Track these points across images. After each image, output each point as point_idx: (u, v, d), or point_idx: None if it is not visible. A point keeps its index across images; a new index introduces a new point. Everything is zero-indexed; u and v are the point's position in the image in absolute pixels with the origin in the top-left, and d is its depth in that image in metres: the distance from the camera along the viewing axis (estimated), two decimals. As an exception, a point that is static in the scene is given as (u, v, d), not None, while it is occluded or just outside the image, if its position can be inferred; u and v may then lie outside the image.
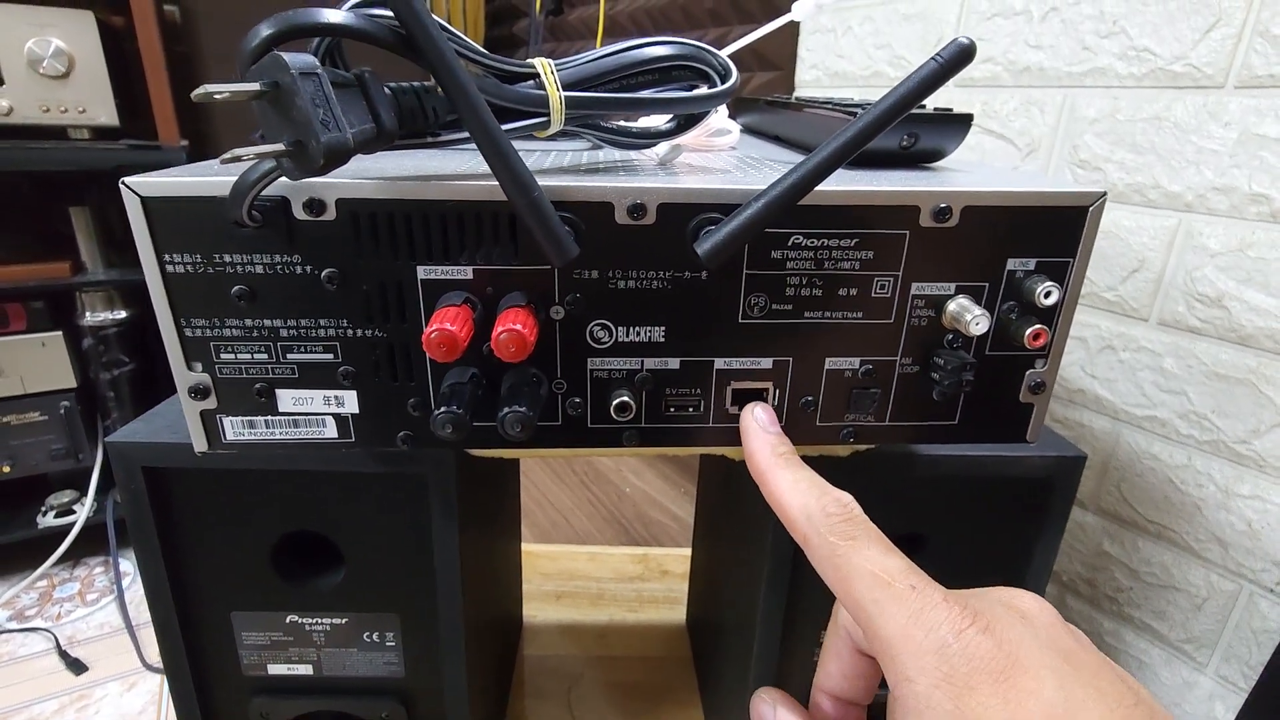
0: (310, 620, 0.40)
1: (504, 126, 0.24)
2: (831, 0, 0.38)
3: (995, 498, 0.39)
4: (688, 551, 0.76)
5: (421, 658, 0.41)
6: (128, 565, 1.13)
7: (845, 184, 0.26)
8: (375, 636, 0.41)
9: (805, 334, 0.28)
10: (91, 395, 1.08)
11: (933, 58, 0.22)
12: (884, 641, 0.17)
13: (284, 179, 0.22)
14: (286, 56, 0.18)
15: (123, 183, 0.23)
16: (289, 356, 0.26)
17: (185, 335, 0.26)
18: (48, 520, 1.08)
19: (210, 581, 0.38)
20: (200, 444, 0.28)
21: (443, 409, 0.25)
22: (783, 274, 0.27)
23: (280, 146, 0.18)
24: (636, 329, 0.28)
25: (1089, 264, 0.28)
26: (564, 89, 0.26)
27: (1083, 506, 0.69)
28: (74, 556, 1.11)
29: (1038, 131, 0.66)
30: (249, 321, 0.26)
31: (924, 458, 0.36)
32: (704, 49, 0.28)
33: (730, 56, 0.30)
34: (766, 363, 0.29)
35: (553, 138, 0.28)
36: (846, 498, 0.21)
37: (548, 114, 0.26)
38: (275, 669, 0.41)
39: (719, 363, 0.29)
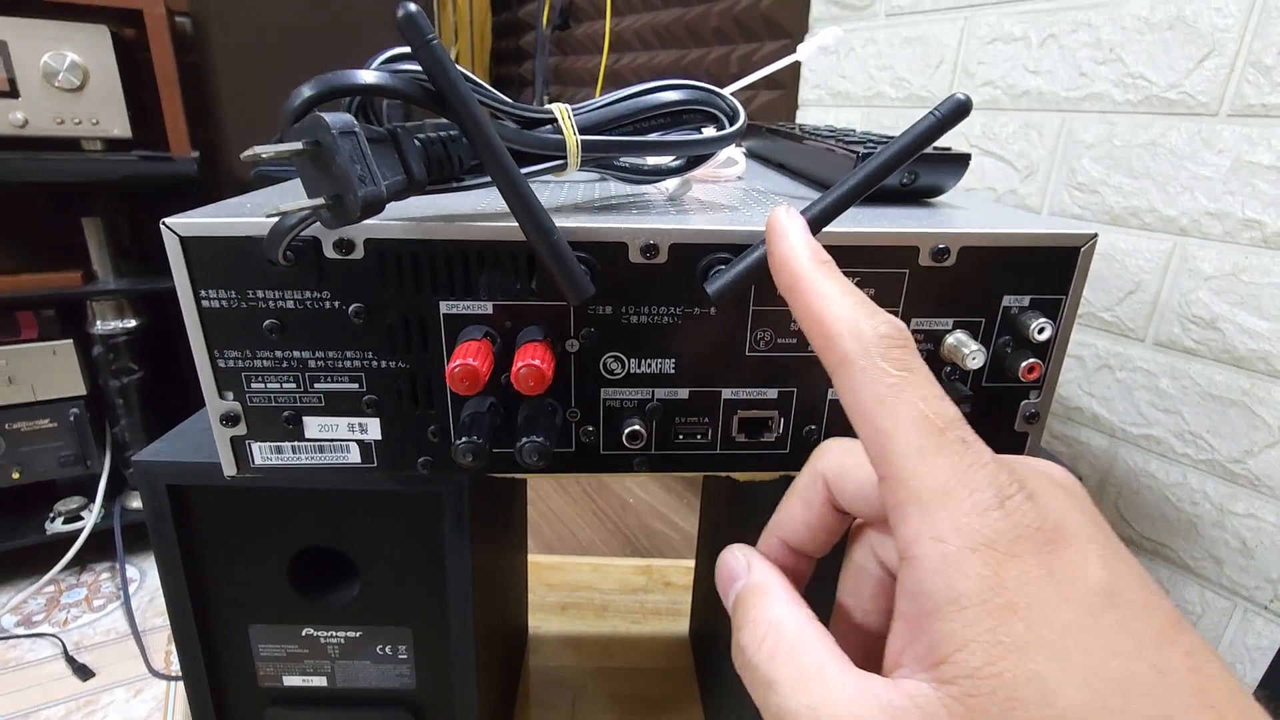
0: (325, 633, 0.41)
1: (524, 170, 0.25)
2: (833, 42, 0.39)
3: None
4: (691, 563, 0.77)
5: (432, 670, 0.42)
6: (134, 571, 1.14)
7: (848, 225, 0.28)
8: (388, 649, 0.42)
9: (808, 366, 0.30)
10: (100, 403, 1.09)
11: (931, 112, 0.23)
12: (915, 494, 0.15)
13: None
14: (327, 117, 0.19)
15: (163, 223, 0.24)
16: (316, 386, 0.28)
17: (218, 366, 0.27)
18: (56, 526, 1.09)
19: (229, 595, 0.39)
20: (230, 468, 0.29)
21: (464, 439, 0.26)
22: (787, 310, 0.28)
23: (321, 200, 0.20)
24: (648, 361, 0.29)
25: (1083, 292, 0.30)
26: (580, 133, 0.27)
27: (1080, 522, 0.70)
28: (81, 562, 1.12)
29: (1036, 154, 0.68)
30: (279, 353, 0.27)
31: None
32: (713, 92, 0.30)
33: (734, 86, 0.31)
34: (772, 393, 0.30)
35: (566, 172, 0.29)
36: (900, 323, 0.18)
37: (565, 157, 0.27)
38: (291, 680, 0.42)
39: (726, 393, 0.30)
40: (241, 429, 0.28)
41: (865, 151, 0.33)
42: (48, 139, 0.97)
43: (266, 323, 0.26)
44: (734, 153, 0.40)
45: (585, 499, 1.25)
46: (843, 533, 0.21)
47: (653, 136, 0.29)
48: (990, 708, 0.13)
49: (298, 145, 0.19)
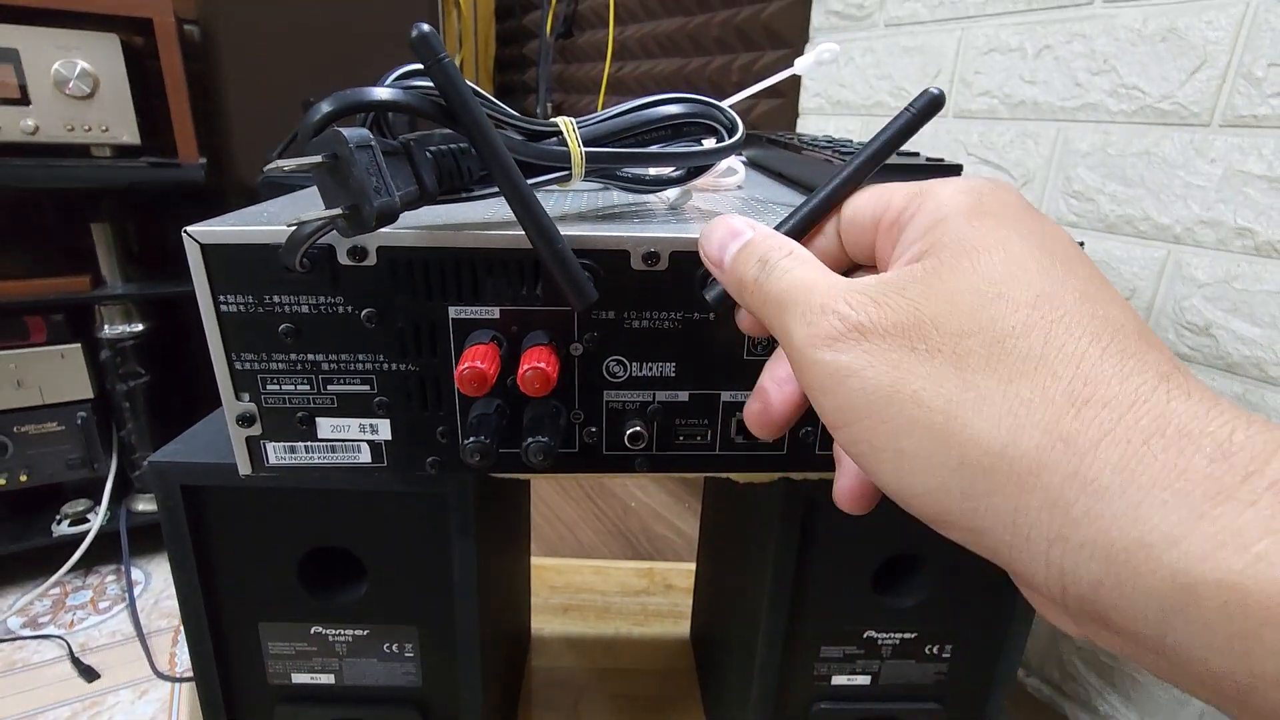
0: (334, 631, 0.42)
1: (530, 181, 0.26)
2: (830, 56, 0.40)
3: (986, 521, 0.41)
4: (692, 566, 0.78)
5: (438, 668, 0.43)
6: (139, 574, 1.15)
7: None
8: (395, 648, 0.42)
9: (806, 370, 0.30)
10: (107, 406, 1.10)
11: (906, 108, 0.24)
12: (925, 187, 0.20)
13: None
14: (345, 131, 0.20)
15: (185, 231, 0.26)
16: (329, 388, 0.29)
17: (235, 368, 0.28)
18: (62, 529, 1.10)
19: (240, 594, 0.40)
20: (245, 467, 0.30)
21: (472, 438, 0.27)
22: (785, 315, 0.29)
23: (338, 211, 0.21)
24: (649, 364, 0.30)
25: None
26: (584, 145, 0.28)
27: (1077, 526, 0.70)
28: (87, 565, 1.13)
29: (1032, 163, 0.69)
30: (294, 356, 0.28)
31: (918, 483, 0.38)
32: (713, 105, 0.31)
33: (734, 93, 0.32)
34: (769, 396, 0.31)
35: (570, 183, 0.30)
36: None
37: (570, 168, 0.28)
38: (299, 678, 0.43)
39: (725, 395, 0.31)
40: (257, 429, 0.29)
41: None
42: (58, 145, 0.98)
43: (282, 327, 0.27)
44: (734, 162, 0.41)
45: (587, 502, 1.26)
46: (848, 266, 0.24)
47: (654, 148, 0.30)
48: (950, 261, 0.18)
49: (317, 158, 0.20)
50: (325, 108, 0.21)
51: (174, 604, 1.08)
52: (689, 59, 1.16)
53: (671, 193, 0.34)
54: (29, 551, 1.08)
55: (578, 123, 0.29)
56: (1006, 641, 0.44)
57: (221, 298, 0.27)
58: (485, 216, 0.29)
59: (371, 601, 0.41)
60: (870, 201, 0.22)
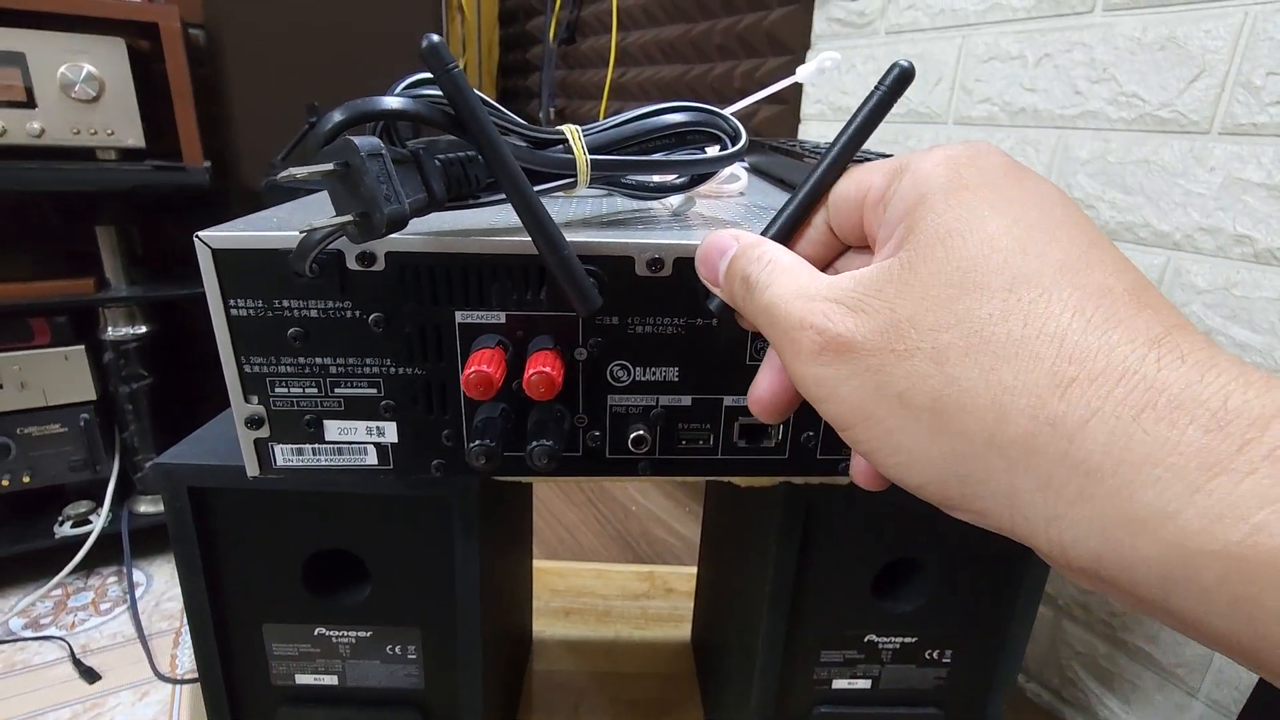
0: (337, 633, 0.42)
1: (537, 188, 0.26)
2: (832, 64, 0.41)
3: (986, 525, 0.41)
4: (693, 570, 0.78)
5: (440, 670, 0.43)
6: (140, 576, 1.15)
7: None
8: (397, 649, 0.43)
9: (807, 375, 0.31)
10: (110, 408, 1.11)
11: (876, 85, 0.24)
12: (908, 162, 0.19)
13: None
14: (356, 140, 0.21)
15: (196, 236, 0.26)
16: (336, 391, 0.29)
17: (244, 371, 0.28)
18: (64, 530, 1.10)
19: (245, 595, 0.41)
20: (253, 469, 0.30)
21: (477, 441, 0.27)
22: (787, 321, 0.30)
23: (350, 217, 0.21)
24: (653, 369, 0.30)
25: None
26: (589, 152, 0.29)
27: (1077, 532, 0.70)
28: (88, 566, 1.13)
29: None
30: (302, 360, 0.28)
31: (918, 487, 0.38)
32: (716, 114, 0.31)
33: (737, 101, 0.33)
34: (771, 401, 0.31)
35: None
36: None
37: (575, 176, 0.28)
38: (303, 679, 0.43)
39: (728, 400, 0.31)
40: (265, 431, 0.30)
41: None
42: (63, 149, 0.99)
43: (291, 331, 0.28)
44: (736, 169, 0.42)
45: (588, 506, 1.26)
46: (838, 253, 0.24)
47: (658, 156, 0.30)
48: (924, 251, 0.17)
49: (329, 166, 0.21)
50: (337, 116, 0.21)
51: (175, 606, 1.08)
52: (691, 65, 1.16)
53: (675, 200, 0.35)
54: (31, 553, 1.08)
55: (583, 130, 0.29)
56: (1006, 646, 0.44)
57: (232, 302, 0.27)
58: (492, 223, 0.30)
59: (374, 604, 0.41)
60: (852, 186, 0.22)
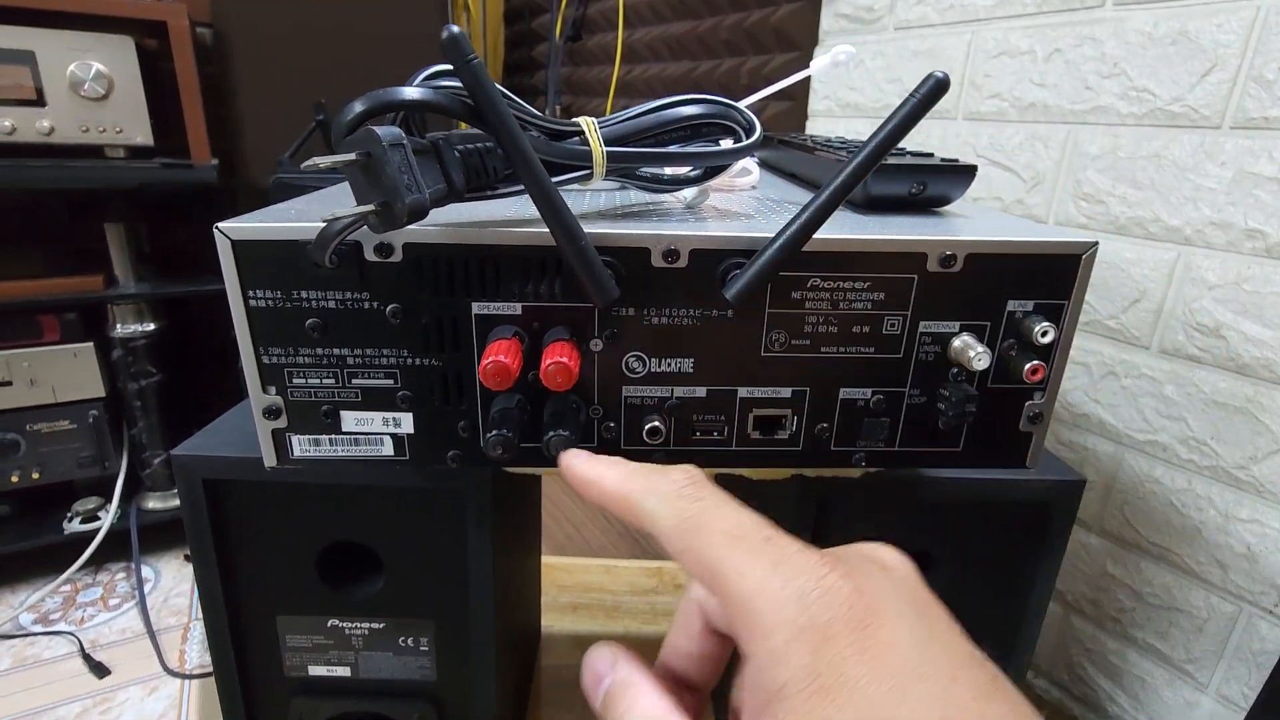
0: (350, 625, 0.42)
1: (553, 179, 0.27)
2: (846, 58, 0.41)
3: (998, 519, 0.41)
4: (700, 566, 0.78)
5: (453, 663, 0.44)
6: (149, 571, 1.16)
7: (859, 232, 0.29)
8: (410, 641, 0.43)
9: (821, 366, 0.31)
10: (119, 405, 1.11)
11: (911, 93, 0.24)
12: (740, 598, 0.16)
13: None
14: (378, 130, 0.21)
15: (216, 228, 0.26)
16: (354, 382, 0.29)
17: (263, 362, 0.28)
18: (74, 526, 1.11)
19: (259, 587, 0.41)
20: (270, 459, 0.30)
21: (494, 432, 0.28)
22: (801, 313, 0.30)
23: (371, 207, 0.21)
24: (668, 360, 0.30)
25: (1085, 299, 0.31)
26: (605, 144, 0.29)
27: (1087, 528, 0.70)
28: (97, 562, 1.14)
29: (1042, 166, 0.69)
30: (320, 350, 0.29)
31: (930, 481, 0.38)
32: (731, 106, 0.31)
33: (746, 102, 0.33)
34: (786, 392, 0.31)
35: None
36: (688, 467, 0.20)
37: (591, 167, 0.29)
38: (315, 670, 0.43)
39: (742, 391, 0.31)
40: (282, 422, 0.30)
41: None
42: (73, 146, 0.99)
43: (309, 321, 0.28)
44: (748, 162, 0.42)
45: (594, 503, 1.26)
46: (725, 660, 0.21)
47: (673, 148, 0.31)
48: None
49: (351, 156, 0.21)
50: (358, 106, 0.21)
51: (183, 602, 1.09)
52: (698, 62, 1.16)
53: (688, 192, 0.35)
54: (41, 548, 1.08)
55: (599, 123, 0.29)
56: (1016, 643, 0.44)
57: (251, 293, 0.27)
58: (508, 214, 0.30)
59: (387, 596, 0.42)
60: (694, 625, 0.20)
